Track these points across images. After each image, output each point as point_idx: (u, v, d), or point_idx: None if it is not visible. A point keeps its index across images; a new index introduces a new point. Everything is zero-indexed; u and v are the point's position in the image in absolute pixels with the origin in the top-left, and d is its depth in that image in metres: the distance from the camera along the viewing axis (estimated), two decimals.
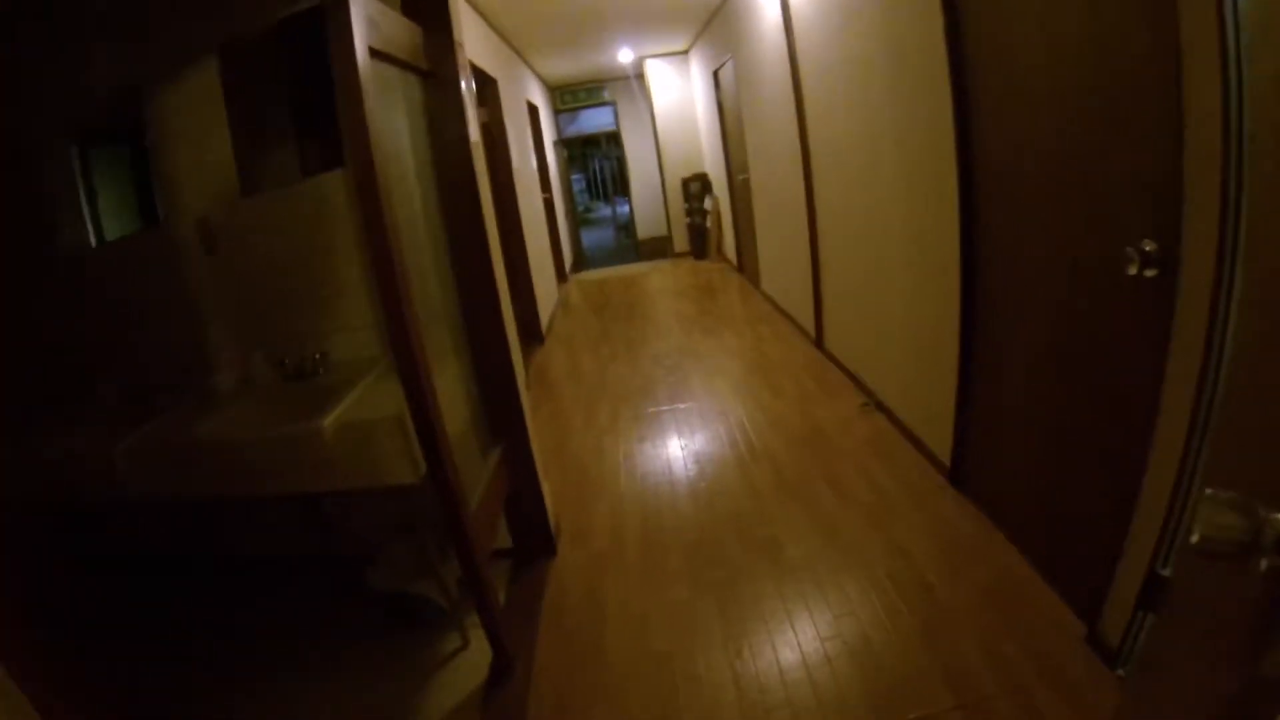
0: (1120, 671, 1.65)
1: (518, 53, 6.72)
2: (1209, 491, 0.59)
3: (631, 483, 3.03)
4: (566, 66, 8.28)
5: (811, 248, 4.24)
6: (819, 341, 4.43)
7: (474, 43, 4.47)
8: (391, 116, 1.83)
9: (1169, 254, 1.42)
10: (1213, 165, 1.26)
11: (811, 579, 2.18)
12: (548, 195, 7.44)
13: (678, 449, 3.31)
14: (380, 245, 1.42)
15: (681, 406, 3.83)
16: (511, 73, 6.00)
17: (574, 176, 13.78)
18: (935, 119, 2.28)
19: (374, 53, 1.47)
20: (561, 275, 7.96)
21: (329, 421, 1.72)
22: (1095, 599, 1.76)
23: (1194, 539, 0.58)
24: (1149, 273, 1.46)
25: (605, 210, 15.12)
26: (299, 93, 2.12)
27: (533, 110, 7.11)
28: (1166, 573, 1.53)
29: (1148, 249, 1.45)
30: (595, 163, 16.66)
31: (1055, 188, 1.77)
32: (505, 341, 2.26)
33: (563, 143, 10.27)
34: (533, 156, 6.64)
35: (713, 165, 7.96)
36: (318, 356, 2.13)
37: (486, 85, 4.99)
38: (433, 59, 1.98)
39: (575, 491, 3.01)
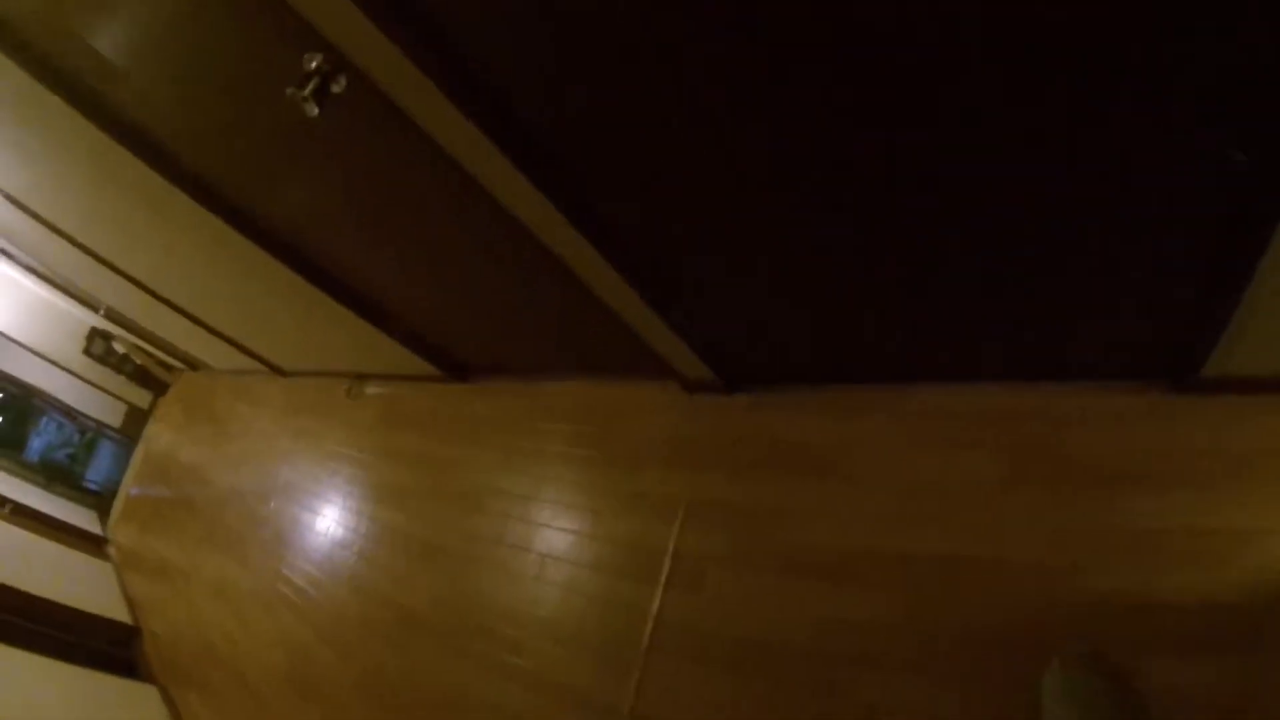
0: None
1: None
2: None
3: None
4: None
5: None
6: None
7: None
8: None
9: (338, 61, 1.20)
10: None
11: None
12: (4, 509, 5.52)
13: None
14: None
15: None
16: None
17: (45, 422, 9.98)
18: None
19: None
20: (97, 549, 6.01)
21: None
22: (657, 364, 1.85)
23: None
24: (335, 87, 1.23)
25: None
26: None
27: None
28: None
29: (314, 66, 1.21)
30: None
31: None
32: None
33: None
34: None
35: (82, 313, 6.42)
36: None
37: None
38: None
39: None
